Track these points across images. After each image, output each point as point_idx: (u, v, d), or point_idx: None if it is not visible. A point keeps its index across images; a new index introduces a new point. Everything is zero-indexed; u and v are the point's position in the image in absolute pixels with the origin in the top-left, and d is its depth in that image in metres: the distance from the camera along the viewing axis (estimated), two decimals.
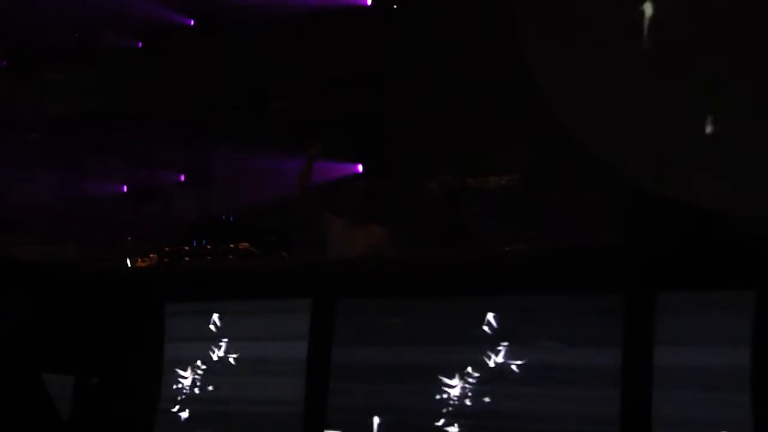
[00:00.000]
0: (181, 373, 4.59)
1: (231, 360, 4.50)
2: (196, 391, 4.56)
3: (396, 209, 9.55)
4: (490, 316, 3.92)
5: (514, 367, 3.82)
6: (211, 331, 4.57)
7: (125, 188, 13.28)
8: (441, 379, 3.96)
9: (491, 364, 3.86)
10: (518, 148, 9.80)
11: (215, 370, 4.55)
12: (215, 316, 4.57)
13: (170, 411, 4.57)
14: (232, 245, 7.32)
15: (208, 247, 7.54)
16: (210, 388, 4.54)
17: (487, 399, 3.86)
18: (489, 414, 3.85)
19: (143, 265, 7.40)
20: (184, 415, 4.56)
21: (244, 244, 7.34)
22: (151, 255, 7.55)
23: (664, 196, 4.50)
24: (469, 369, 3.91)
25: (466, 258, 4.48)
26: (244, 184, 11.82)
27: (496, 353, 3.86)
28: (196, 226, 10.22)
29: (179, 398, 4.59)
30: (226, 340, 4.54)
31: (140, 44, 13.05)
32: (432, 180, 7.05)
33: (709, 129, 4.69)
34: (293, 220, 8.59)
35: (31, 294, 3.31)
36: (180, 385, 4.59)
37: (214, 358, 4.55)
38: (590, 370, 3.68)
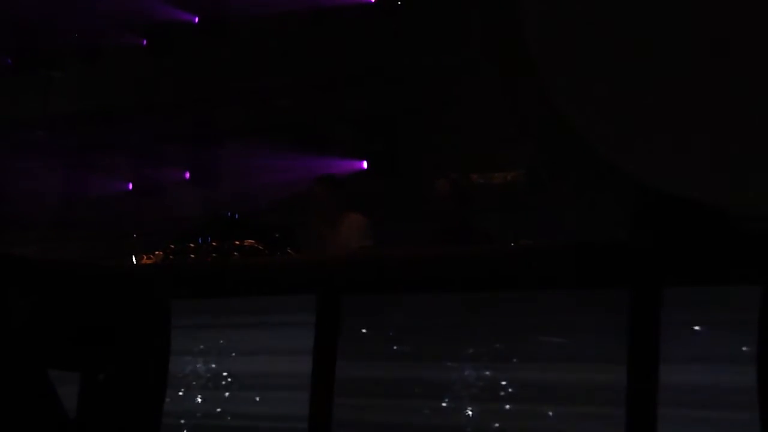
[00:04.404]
0: (185, 380, 4.56)
1: (234, 372, 4.46)
2: (199, 401, 4.53)
3: (402, 206, 9.55)
4: (495, 316, 3.91)
5: (521, 383, 3.78)
6: (213, 342, 4.53)
7: (130, 186, 13.30)
8: (446, 394, 3.92)
9: (499, 377, 3.81)
10: (524, 145, 9.78)
11: (216, 381, 4.51)
12: (218, 324, 4.55)
13: (171, 423, 4.50)
14: (237, 243, 7.30)
15: (214, 244, 7.52)
16: (212, 399, 4.50)
17: (498, 416, 3.80)
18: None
19: (148, 262, 7.39)
20: (186, 428, 4.51)
21: (250, 242, 7.32)
22: (156, 252, 7.54)
23: (669, 194, 4.49)
24: (478, 383, 3.87)
25: (471, 254, 4.46)
26: (249, 182, 11.83)
27: (504, 364, 3.82)
28: (202, 223, 10.20)
29: (181, 409, 4.54)
30: (228, 351, 4.51)
31: (144, 42, 13.07)
32: (438, 176, 7.05)
33: (715, 126, 4.67)
34: (299, 217, 8.58)
35: (37, 291, 3.31)
36: (183, 395, 4.55)
37: (217, 369, 4.52)
38: (595, 379, 3.65)
